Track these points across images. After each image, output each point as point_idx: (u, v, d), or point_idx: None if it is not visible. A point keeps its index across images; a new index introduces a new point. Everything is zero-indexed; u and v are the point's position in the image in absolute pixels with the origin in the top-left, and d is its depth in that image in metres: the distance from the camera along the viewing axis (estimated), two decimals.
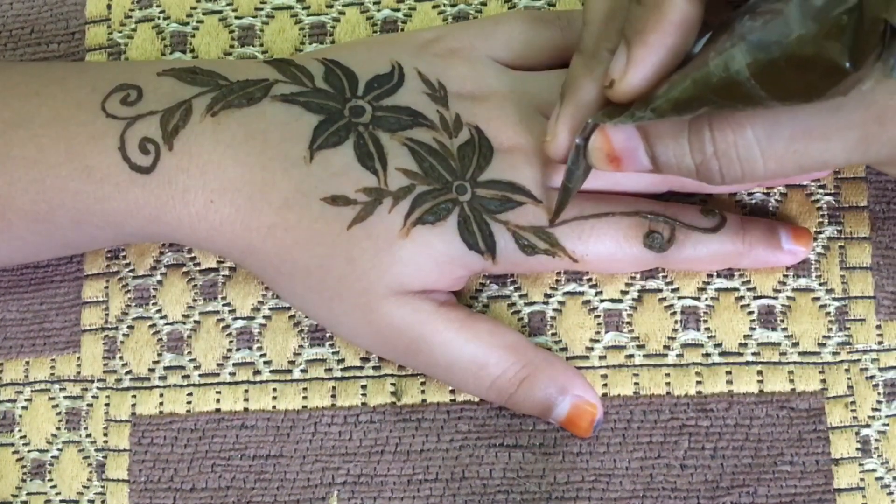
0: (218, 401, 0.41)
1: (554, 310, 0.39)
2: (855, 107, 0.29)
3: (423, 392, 0.40)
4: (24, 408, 0.43)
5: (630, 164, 0.33)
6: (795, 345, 0.38)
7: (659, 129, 0.32)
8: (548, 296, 0.39)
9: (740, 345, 0.39)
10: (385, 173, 0.36)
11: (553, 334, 0.39)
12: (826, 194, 0.39)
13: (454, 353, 0.37)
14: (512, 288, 0.40)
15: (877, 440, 0.38)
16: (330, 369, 0.40)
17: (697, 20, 0.31)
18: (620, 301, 0.39)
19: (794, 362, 0.38)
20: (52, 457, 0.42)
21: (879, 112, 0.29)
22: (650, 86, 0.31)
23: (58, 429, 0.42)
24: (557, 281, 0.39)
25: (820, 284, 0.39)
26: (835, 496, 0.37)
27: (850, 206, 0.39)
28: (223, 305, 0.41)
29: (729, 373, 0.38)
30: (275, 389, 0.40)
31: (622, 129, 0.33)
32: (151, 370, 0.41)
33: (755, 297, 0.39)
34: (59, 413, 0.42)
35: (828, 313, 0.39)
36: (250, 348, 0.41)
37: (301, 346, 0.40)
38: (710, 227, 0.37)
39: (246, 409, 0.40)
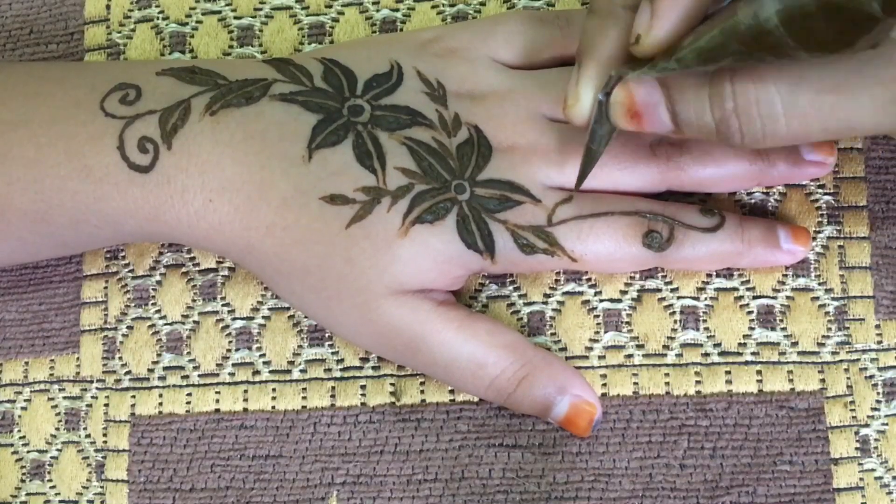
0: (217, 401, 0.41)
1: (553, 310, 0.39)
2: (886, 64, 0.29)
3: (422, 392, 0.39)
4: (24, 408, 0.43)
5: (651, 120, 0.33)
6: (795, 344, 0.38)
7: (680, 82, 0.32)
8: (547, 296, 0.39)
9: (739, 344, 0.39)
10: (384, 172, 0.36)
11: (552, 334, 0.39)
12: (825, 194, 0.39)
13: (453, 353, 0.37)
14: (511, 288, 0.40)
15: (876, 440, 0.38)
16: (329, 369, 0.40)
17: None
18: (620, 301, 0.39)
19: (794, 362, 0.38)
20: (52, 457, 0.42)
21: None
22: (676, 38, 0.31)
23: (57, 429, 0.42)
24: (557, 281, 0.39)
25: (819, 284, 0.39)
26: (834, 496, 0.37)
27: (849, 205, 0.39)
28: (222, 305, 0.41)
29: (728, 372, 0.38)
30: (274, 389, 0.40)
31: (644, 84, 0.32)
32: (151, 370, 0.41)
33: (754, 297, 0.39)
34: (58, 413, 0.42)
35: (827, 313, 0.39)
36: (249, 348, 0.41)
37: (300, 347, 0.40)
38: (709, 226, 0.37)
39: (245, 410, 0.40)
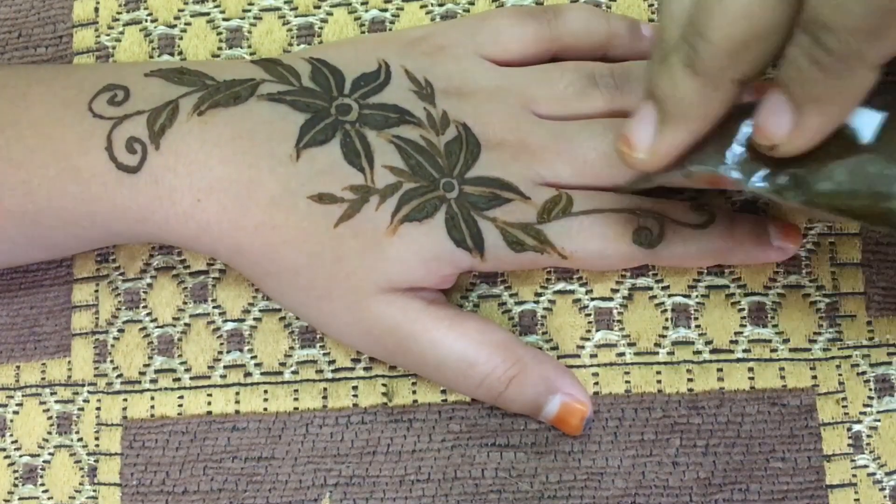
0: (209, 403, 0.40)
1: (544, 308, 0.39)
2: None
3: (414, 392, 0.39)
4: (15, 412, 0.42)
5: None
6: (786, 341, 0.38)
7: None
8: (538, 294, 0.39)
9: (731, 342, 0.38)
10: (372, 171, 0.36)
11: (544, 333, 0.39)
12: None
13: (443, 352, 0.36)
14: (502, 287, 0.39)
15: (868, 436, 0.38)
16: (321, 370, 0.40)
17: None
18: (611, 299, 0.39)
19: (785, 359, 0.38)
20: (44, 461, 0.42)
21: None
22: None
23: (49, 433, 0.42)
24: (548, 279, 0.39)
25: (810, 281, 0.39)
26: (827, 492, 0.37)
27: None
28: (213, 308, 0.41)
29: (720, 370, 0.38)
30: (266, 391, 0.40)
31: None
32: (142, 373, 0.41)
33: (745, 294, 0.39)
34: (50, 417, 0.42)
35: (818, 310, 0.39)
36: (241, 350, 0.41)
37: (292, 348, 0.40)
38: (699, 223, 0.37)
39: (237, 412, 0.40)
